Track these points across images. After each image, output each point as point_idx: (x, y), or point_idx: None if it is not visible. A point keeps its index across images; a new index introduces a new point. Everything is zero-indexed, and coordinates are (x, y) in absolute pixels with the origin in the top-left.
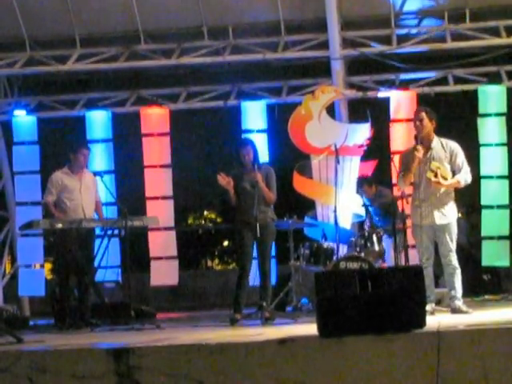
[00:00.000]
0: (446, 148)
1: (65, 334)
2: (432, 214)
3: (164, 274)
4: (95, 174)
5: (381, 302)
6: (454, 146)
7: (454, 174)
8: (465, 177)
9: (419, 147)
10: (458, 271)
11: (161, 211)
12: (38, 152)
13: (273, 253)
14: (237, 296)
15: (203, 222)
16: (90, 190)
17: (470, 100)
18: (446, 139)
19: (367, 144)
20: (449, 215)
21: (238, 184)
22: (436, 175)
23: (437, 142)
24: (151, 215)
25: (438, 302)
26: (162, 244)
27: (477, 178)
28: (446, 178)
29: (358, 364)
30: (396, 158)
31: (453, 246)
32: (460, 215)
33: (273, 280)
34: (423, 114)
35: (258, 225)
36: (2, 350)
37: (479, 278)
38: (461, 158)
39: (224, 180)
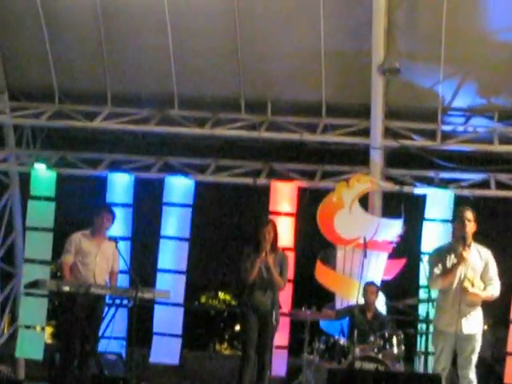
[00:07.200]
0: (481, 256)
1: None
2: (459, 321)
3: (165, 351)
4: (110, 238)
5: None
6: (488, 255)
7: (484, 284)
8: (496, 290)
9: (468, 248)
10: None
11: (171, 285)
12: (53, 209)
13: (285, 343)
14: None
15: (217, 302)
16: (107, 258)
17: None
18: (481, 246)
19: (397, 241)
20: (476, 325)
21: None
22: (473, 285)
23: (474, 248)
24: (161, 288)
25: None
26: (168, 320)
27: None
28: (479, 288)
29: None
30: (426, 259)
31: (474, 357)
32: (486, 327)
33: (282, 371)
34: (472, 214)
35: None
36: None
37: None
38: (493, 269)
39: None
